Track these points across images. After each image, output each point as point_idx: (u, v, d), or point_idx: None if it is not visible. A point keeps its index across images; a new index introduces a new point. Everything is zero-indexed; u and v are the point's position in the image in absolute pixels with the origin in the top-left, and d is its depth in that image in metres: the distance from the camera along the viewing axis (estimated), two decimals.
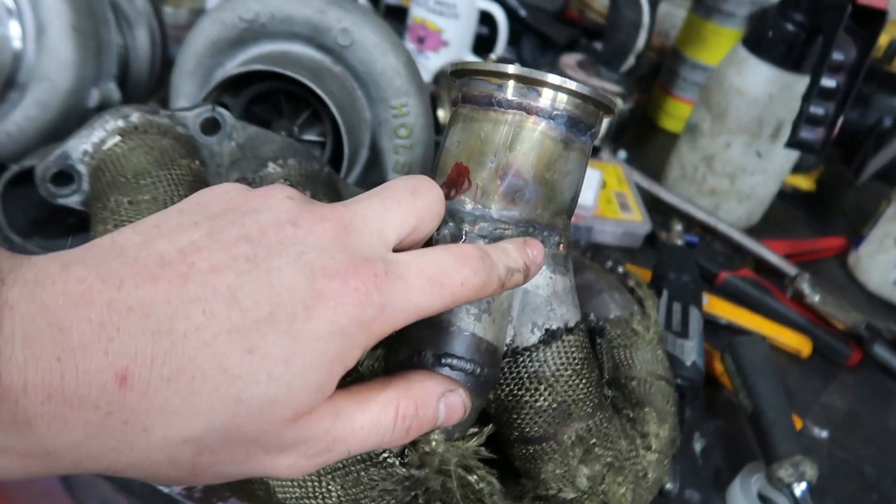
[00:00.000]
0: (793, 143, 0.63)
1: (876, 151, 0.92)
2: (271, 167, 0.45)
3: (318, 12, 0.51)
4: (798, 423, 0.59)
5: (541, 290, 0.34)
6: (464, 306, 0.31)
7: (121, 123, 0.40)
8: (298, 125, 0.54)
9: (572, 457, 0.35)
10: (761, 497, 0.51)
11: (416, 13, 0.91)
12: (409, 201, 0.29)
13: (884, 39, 0.98)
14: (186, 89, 0.54)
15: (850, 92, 0.61)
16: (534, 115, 0.32)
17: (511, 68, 0.32)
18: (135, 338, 0.21)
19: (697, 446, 0.55)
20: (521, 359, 0.34)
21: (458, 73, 0.34)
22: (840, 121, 0.62)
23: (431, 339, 0.31)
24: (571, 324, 0.35)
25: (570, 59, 0.87)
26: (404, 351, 0.31)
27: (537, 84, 0.32)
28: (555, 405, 0.34)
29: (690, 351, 0.57)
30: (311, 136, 0.55)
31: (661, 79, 0.97)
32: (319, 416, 0.24)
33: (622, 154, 0.88)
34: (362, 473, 0.30)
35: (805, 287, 0.66)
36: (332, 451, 0.25)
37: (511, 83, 0.32)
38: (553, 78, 0.32)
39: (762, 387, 0.53)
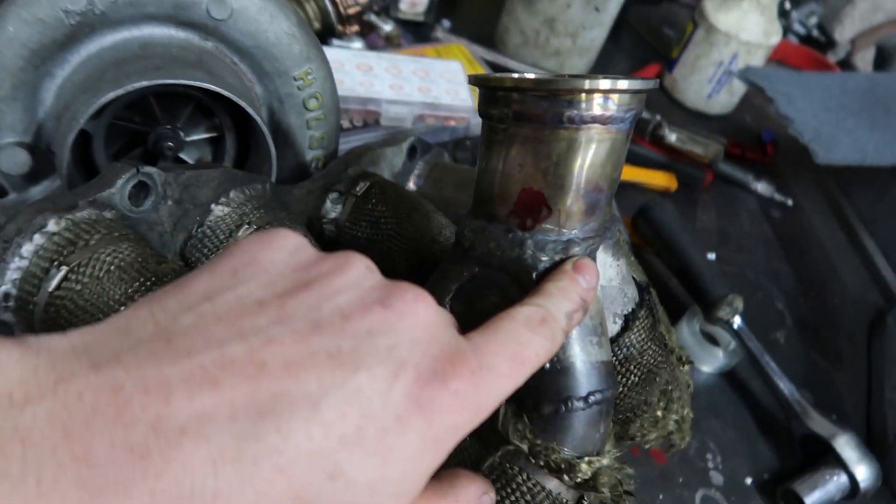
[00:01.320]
0: None
1: None
2: (217, 210, 0.37)
3: None
4: None
5: (613, 280, 0.34)
6: (587, 338, 0.31)
7: (42, 242, 0.29)
8: (181, 126, 0.43)
9: (658, 409, 0.38)
10: (703, 333, 0.60)
11: None
12: None
13: None
14: (9, 119, 0.39)
15: None
16: (608, 124, 0.29)
17: (576, 82, 0.28)
18: (190, 471, 0.16)
19: None
20: (612, 350, 0.35)
21: (507, 89, 0.29)
22: None
23: (571, 384, 0.30)
24: (638, 299, 0.36)
25: None
26: (548, 406, 0.30)
27: (611, 93, 0.29)
28: (643, 375, 0.36)
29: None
30: (199, 135, 0.44)
31: None
32: None
33: (446, 23, 0.84)
34: None
35: (664, 131, 0.73)
36: None
37: (584, 97, 0.28)
38: (622, 83, 0.29)
39: (683, 245, 0.60)
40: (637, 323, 0.36)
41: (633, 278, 0.38)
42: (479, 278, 0.31)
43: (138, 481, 0.15)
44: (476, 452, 0.30)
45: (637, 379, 0.36)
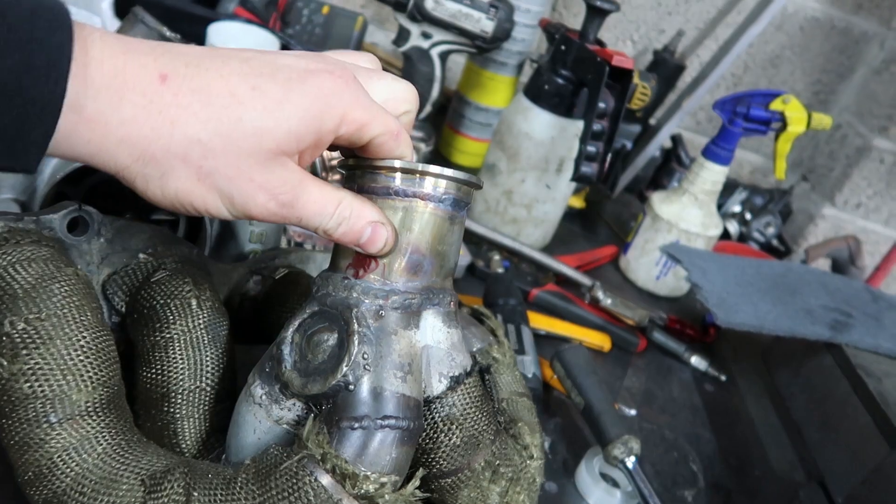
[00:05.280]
0: (576, 177, 0.77)
1: (623, 170, 1.13)
2: (142, 257, 0.45)
3: None
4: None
5: (441, 344, 0.40)
6: (391, 370, 0.36)
7: None
8: (145, 207, 0.53)
9: (483, 480, 0.41)
10: (602, 475, 0.62)
11: None
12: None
13: None
14: (10, 180, 0.51)
15: (613, 133, 0.75)
16: (425, 200, 0.38)
17: (401, 163, 0.37)
18: (174, 60, 0.31)
19: (546, 444, 0.65)
20: (434, 406, 0.40)
21: (350, 167, 0.38)
22: (609, 156, 0.77)
23: (369, 405, 0.35)
24: (469, 368, 0.41)
25: None
26: (346, 421, 0.35)
27: (427, 175, 0.37)
28: (466, 439, 0.40)
29: (530, 364, 0.67)
30: (160, 216, 0.55)
31: (448, 120, 1.08)
32: (292, 169, 0.33)
33: None
34: None
35: (599, 294, 0.80)
36: (292, 208, 0.34)
37: (405, 176, 0.37)
38: (436, 169, 0.38)
39: (589, 385, 0.64)
40: (463, 388, 0.41)
41: (474, 356, 0.44)
42: (316, 314, 0.38)
43: (147, 54, 0.31)
44: (281, 457, 0.35)
45: (458, 441, 0.40)
